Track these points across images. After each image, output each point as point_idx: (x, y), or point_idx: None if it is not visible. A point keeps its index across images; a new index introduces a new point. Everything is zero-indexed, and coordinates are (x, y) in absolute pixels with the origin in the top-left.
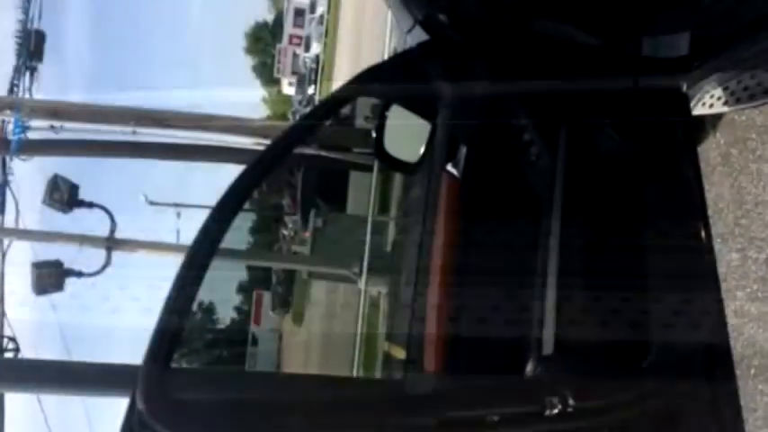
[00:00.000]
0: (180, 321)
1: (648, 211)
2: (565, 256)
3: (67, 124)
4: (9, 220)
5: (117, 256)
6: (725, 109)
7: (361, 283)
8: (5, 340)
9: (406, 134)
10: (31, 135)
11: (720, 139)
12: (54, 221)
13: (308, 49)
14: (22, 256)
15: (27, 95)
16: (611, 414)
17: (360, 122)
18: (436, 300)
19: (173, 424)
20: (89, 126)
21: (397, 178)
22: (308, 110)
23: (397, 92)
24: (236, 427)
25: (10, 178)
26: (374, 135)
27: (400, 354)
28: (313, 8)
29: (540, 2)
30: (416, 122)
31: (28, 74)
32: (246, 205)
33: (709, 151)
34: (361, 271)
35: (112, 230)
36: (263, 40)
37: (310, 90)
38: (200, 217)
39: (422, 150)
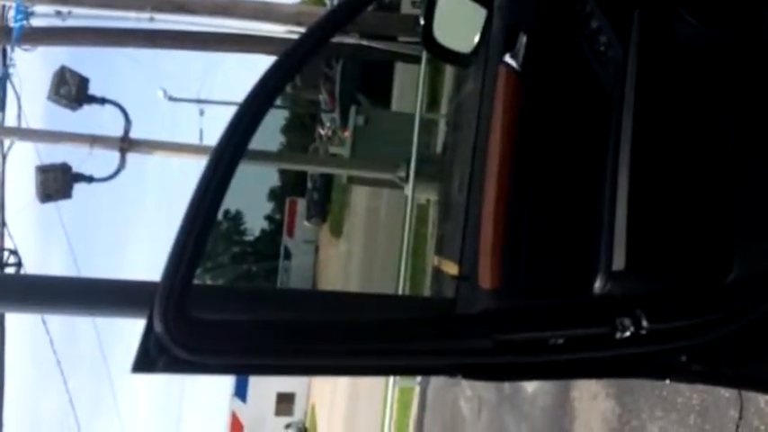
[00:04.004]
0: (203, 232)
1: (732, 110)
2: (638, 159)
3: (76, 9)
4: (10, 118)
5: (132, 158)
6: None
7: (408, 189)
8: (6, 254)
9: (459, 21)
10: (35, 22)
11: None
12: (61, 119)
13: None
14: (25, 158)
15: None
16: (690, 337)
17: (406, 7)
18: (492, 208)
19: (194, 347)
20: (100, 12)
21: (449, 71)
22: None
23: None
24: (266, 352)
25: (11, 71)
26: (422, 22)
27: (452, 269)
28: None
29: None
30: (470, 7)
31: None
32: (278, 101)
33: None
34: (407, 175)
35: (127, 130)
36: None
37: None
38: (226, 114)
39: (476, 39)
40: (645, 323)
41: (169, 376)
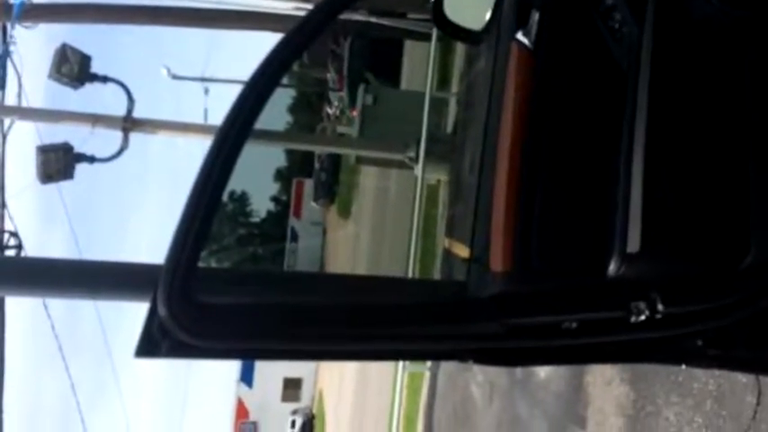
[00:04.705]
0: (208, 214)
1: (749, 89)
2: (653, 139)
3: None
4: (11, 97)
5: (135, 138)
6: None
7: (418, 170)
8: (6, 236)
9: None
10: None
11: None
12: (62, 98)
13: None
14: (25, 138)
15: None
16: (706, 321)
17: None
18: (504, 189)
19: (198, 332)
20: None
21: (459, 48)
22: None
23: None
24: (272, 336)
25: (11, 48)
26: None
27: (463, 251)
28: None
29: None
30: None
31: None
32: (285, 80)
33: None
34: (417, 155)
35: (130, 109)
36: None
37: None
38: (232, 93)
39: (488, 16)
40: (660, 307)
41: (173, 361)
